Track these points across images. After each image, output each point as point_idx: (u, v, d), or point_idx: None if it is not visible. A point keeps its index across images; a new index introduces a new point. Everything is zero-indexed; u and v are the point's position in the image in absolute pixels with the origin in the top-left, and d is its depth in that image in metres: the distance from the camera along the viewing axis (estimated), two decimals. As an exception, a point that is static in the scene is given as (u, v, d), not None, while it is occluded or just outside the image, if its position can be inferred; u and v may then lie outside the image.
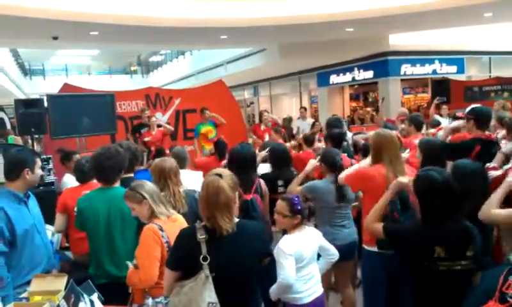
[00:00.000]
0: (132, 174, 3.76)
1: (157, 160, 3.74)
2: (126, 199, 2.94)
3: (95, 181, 3.66)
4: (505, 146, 3.80)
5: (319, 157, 4.29)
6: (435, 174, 2.61)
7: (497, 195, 2.74)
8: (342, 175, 3.77)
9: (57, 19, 9.13)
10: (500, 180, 2.97)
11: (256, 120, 10.93)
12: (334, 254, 3.45)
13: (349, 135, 6.35)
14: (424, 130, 5.71)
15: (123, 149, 3.60)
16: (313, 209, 3.37)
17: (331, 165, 4.04)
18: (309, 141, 5.62)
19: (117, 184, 3.40)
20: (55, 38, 11.31)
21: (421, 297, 2.59)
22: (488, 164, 3.36)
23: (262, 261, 2.51)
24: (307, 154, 5.32)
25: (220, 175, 2.38)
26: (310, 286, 3.23)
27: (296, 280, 3.11)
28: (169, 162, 3.60)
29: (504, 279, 1.75)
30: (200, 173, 4.84)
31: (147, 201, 2.87)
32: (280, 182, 4.31)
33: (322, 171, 4.17)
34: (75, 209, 3.44)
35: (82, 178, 4.03)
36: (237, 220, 2.41)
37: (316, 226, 4.06)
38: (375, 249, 3.37)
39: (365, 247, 3.54)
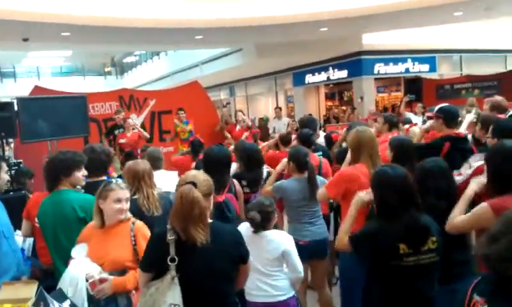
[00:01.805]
0: (102, 178, 3.68)
1: (129, 162, 3.67)
2: (126, 189, 2.93)
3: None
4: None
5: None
6: (389, 170, 2.66)
7: (460, 204, 2.77)
8: (322, 190, 3.76)
9: (27, 20, 8.95)
10: (462, 187, 3.01)
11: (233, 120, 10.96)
12: (299, 272, 3.31)
13: (322, 134, 6.42)
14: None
15: (87, 153, 3.53)
16: (267, 216, 3.29)
17: (299, 165, 4.06)
18: (285, 140, 5.64)
19: (62, 187, 3.31)
20: (25, 40, 11.08)
21: (391, 297, 2.58)
22: (454, 171, 3.40)
23: (238, 266, 2.46)
24: (284, 154, 5.34)
25: (194, 183, 2.34)
26: (265, 288, 3.20)
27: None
28: (143, 164, 3.55)
29: (470, 295, 1.75)
30: (175, 173, 4.80)
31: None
32: (244, 182, 4.31)
33: (290, 170, 4.17)
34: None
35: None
36: (210, 221, 2.38)
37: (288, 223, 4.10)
38: None
39: None
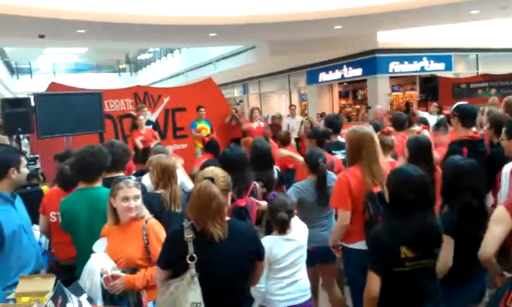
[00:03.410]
0: (119, 174, 3.70)
1: (156, 156, 3.68)
2: (135, 187, 2.89)
3: (77, 187, 3.59)
4: None
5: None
6: (409, 169, 2.61)
7: (495, 233, 2.55)
8: (340, 214, 3.52)
9: (43, 17, 9.03)
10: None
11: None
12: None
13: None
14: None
15: (108, 149, 3.54)
16: (292, 215, 3.28)
17: (311, 167, 4.02)
18: (285, 140, 5.64)
19: (98, 183, 3.33)
20: (41, 37, 11.19)
21: (393, 301, 2.54)
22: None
23: (254, 263, 2.47)
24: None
25: (212, 179, 2.34)
26: (288, 291, 3.17)
27: (271, 282, 3.10)
28: (171, 159, 3.57)
29: (509, 291, 1.72)
30: (181, 171, 4.82)
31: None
32: (261, 183, 4.23)
33: (306, 171, 4.13)
34: (58, 212, 3.40)
35: (64, 185, 3.94)
36: (227, 219, 2.39)
37: None
38: (353, 245, 3.37)
39: (344, 244, 3.51)
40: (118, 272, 2.76)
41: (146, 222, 2.89)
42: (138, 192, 2.90)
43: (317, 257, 3.82)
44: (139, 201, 2.89)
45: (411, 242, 2.43)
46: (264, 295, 3.14)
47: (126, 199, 2.84)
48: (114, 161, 3.53)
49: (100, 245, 2.89)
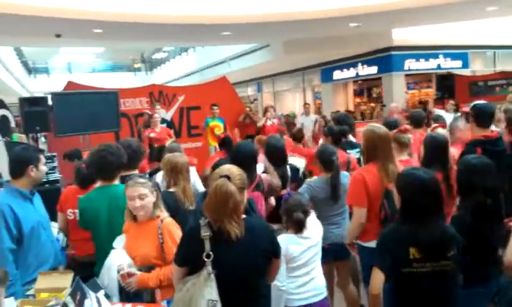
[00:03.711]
0: (134, 172, 3.74)
1: (168, 155, 3.72)
2: (140, 186, 2.84)
3: (94, 185, 3.63)
4: None
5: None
6: (420, 172, 2.55)
7: None
8: (355, 213, 3.48)
9: (60, 17, 9.14)
10: None
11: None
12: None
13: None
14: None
15: (123, 147, 3.57)
16: (308, 214, 3.28)
17: (325, 164, 4.00)
18: (298, 137, 5.63)
19: (116, 181, 3.36)
20: (58, 36, 11.32)
21: (403, 302, 2.51)
22: None
23: (271, 260, 2.48)
24: (300, 150, 5.34)
25: (228, 177, 2.35)
26: (305, 290, 3.18)
27: (288, 281, 3.10)
28: (182, 158, 3.59)
29: None
30: (193, 169, 4.84)
31: (156, 193, 2.88)
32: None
33: (318, 168, 4.13)
34: (77, 210, 3.43)
35: (82, 183, 3.99)
36: (243, 216, 2.39)
37: None
38: (369, 244, 3.34)
39: (359, 242, 3.50)
40: (133, 270, 2.78)
41: (162, 221, 2.89)
42: (143, 190, 2.84)
43: (332, 254, 3.81)
44: (147, 200, 2.85)
45: (421, 244, 2.40)
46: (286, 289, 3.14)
47: (131, 198, 2.85)
48: (129, 159, 3.56)
49: (119, 242, 2.92)
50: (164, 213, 2.93)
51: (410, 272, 2.40)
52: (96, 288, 2.51)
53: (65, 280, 2.69)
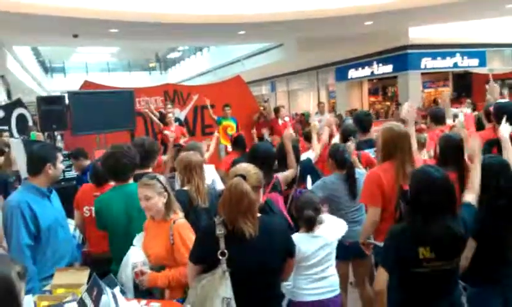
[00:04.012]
0: (148, 170, 3.77)
1: (183, 153, 3.74)
2: (145, 187, 2.85)
3: (110, 183, 3.66)
4: None
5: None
6: (432, 170, 2.51)
7: None
8: (369, 212, 3.42)
9: (77, 17, 9.27)
10: None
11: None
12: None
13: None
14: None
15: (137, 146, 3.59)
16: (319, 212, 3.28)
17: (338, 162, 4.00)
18: (308, 137, 5.61)
19: (131, 181, 3.38)
20: (75, 36, 11.46)
21: (409, 299, 2.49)
22: None
23: (286, 259, 2.47)
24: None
25: (244, 176, 2.35)
26: (317, 286, 3.17)
27: (301, 278, 3.11)
28: (196, 156, 3.60)
29: None
30: (212, 166, 4.85)
31: (167, 194, 2.86)
32: None
33: (330, 167, 4.12)
34: (93, 209, 3.46)
35: (97, 181, 4.04)
36: (259, 215, 2.39)
37: None
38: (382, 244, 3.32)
39: (375, 242, 3.45)
40: (146, 268, 2.81)
41: (174, 222, 2.88)
42: (148, 192, 2.83)
43: (352, 252, 3.80)
44: (152, 202, 2.83)
45: (430, 244, 2.37)
46: (292, 290, 3.15)
47: (139, 199, 2.87)
48: (142, 158, 3.59)
49: (138, 239, 2.96)
50: (178, 215, 2.92)
51: (420, 272, 2.38)
52: (112, 285, 2.53)
53: (82, 276, 2.72)
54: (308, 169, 4.65)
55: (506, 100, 4.23)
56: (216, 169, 5.25)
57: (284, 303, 3.10)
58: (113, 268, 3.17)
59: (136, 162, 3.41)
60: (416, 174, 2.58)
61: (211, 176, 4.59)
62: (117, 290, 2.43)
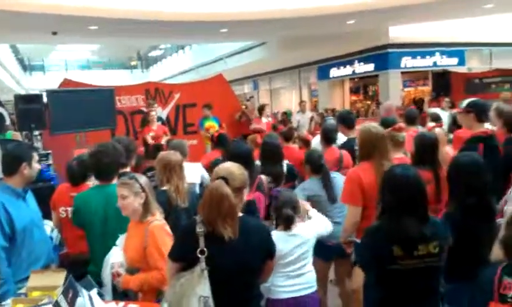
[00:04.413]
0: (127, 169, 3.73)
1: (163, 152, 3.72)
2: (122, 186, 2.82)
3: (87, 183, 3.61)
4: None
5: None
6: (403, 170, 2.54)
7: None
8: (349, 211, 3.48)
9: (56, 14, 9.12)
10: None
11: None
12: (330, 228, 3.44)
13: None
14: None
15: (121, 145, 3.56)
16: (298, 211, 3.30)
17: (315, 168, 4.05)
18: (287, 136, 5.62)
19: (115, 181, 3.33)
20: (54, 33, 11.29)
21: (387, 298, 2.50)
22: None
23: (265, 260, 2.47)
24: (289, 149, 5.34)
25: (226, 179, 2.33)
26: (294, 283, 3.19)
27: (278, 275, 3.12)
28: (175, 155, 3.58)
29: (499, 280, 1.64)
30: (199, 165, 4.82)
31: (145, 195, 2.82)
32: (269, 178, 4.19)
33: (306, 172, 4.17)
34: (70, 210, 3.42)
35: (74, 181, 3.97)
36: (240, 215, 2.38)
37: None
38: None
39: (357, 240, 3.51)
40: (122, 270, 2.79)
41: (150, 224, 2.83)
42: (124, 191, 2.79)
43: (335, 252, 3.83)
44: (127, 201, 2.79)
45: (401, 242, 2.39)
46: (269, 287, 3.16)
47: (118, 197, 2.84)
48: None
49: (120, 240, 2.93)
50: (155, 217, 2.85)
51: (395, 269, 2.40)
52: (89, 286, 2.50)
53: (58, 278, 2.68)
54: (293, 173, 4.67)
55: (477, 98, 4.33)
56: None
57: (262, 302, 3.11)
58: (91, 270, 3.13)
59: (120, 161, 3.37)
60: (387, 174, 2.62)
61: (199, 174, 4.57)
62: (94, 292, 2.40)
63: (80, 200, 3.35)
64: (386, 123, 4.38)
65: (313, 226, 3.36)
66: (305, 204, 3.58)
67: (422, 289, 2.45)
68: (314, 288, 3.30)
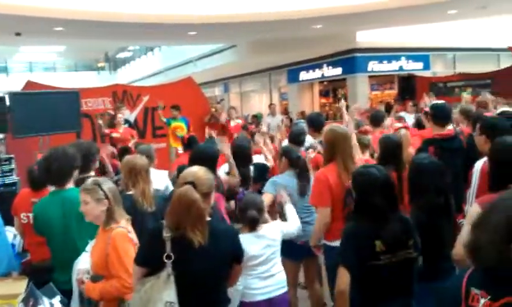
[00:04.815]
0: (89, 174, 3.66)
1: (128, 156, 3.66)
2: (84, 192, 2.74)
3: (48, 188, 3.52)
4: None
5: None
6: (373, 170, 2.60)
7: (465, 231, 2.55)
8: (319, 213, 3.54)
9: (20, 14, 8.88)
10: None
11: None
12: (298, 226, 3.50)
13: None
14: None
15: (75, 150, 3.45)
16: (262, 213, 3.31)
17: (293, 161, 4.04)
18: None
19: (70, 185, 3.26)
20: (18, 34, 11.00)
21: (369, 296, 2.55)
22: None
23: (232, 265, 2.47)
24: (258, 151, 5.36)
25: (193, 184, 2.30)
26: (266, 284, 3.20)
27: (250, 277, 3.13)
28: (141, 159, 3.53)
29: (465, 291, 1.60)
30: (165, 172, 4.79)
31: (107, 202, 2.74)
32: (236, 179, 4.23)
33: (282, 166, 4.15)
34: (31, 214, 3.33)
35: (35, 186, 3.89)
36: (208, 219, 2.35)
37: None
38: (335, 243, 3.38)
39: (326, 243, 3.55)
40: (86, 277, 2.72)
41: (112, 231, 2.74)
42: (85, 197, 2.74)
43: (305, 252, 3.83)
44: (88, 207, 2.73)
45: (382, 237, 2.45)
46: (243, 291, 3.15)
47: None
48: (85, 162, 3.48)
49: (90, 246, 2.87)
50: (119, 224, 2.77)
51: (377, 265, 2.45)
52: (51, 294, 2.45)
53: (19, 286, 2.60)
54: (262, 174, 4.68)
55: (440, 101, 4.45)
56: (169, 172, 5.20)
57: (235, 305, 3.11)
58: (55, 277, 3.06)
59: (73, 165, 3.27)
60: (359, 175, 2.66)
61: (164, 183, 4.53)
62: (56, 300, 2.34)
63: (37, 208, 3.26)
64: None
65: (279, 225, 3.38)
66: (283, 196, 3.57)
67: (400, 282, 2.51)
68: (286, 289, 3.33)
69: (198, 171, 2.45)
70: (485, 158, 3.11)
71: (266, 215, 3.34)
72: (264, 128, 7.97)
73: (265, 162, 4.94)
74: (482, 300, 1.54)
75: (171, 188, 4.40)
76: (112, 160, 5.60)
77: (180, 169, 3.11)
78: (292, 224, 3.50)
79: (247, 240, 3.12)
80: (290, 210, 3.59)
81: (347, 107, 5.04)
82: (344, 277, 2.51)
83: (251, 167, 4.49)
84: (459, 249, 2.52)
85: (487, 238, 1.51)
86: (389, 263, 2.46)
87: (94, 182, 2.82)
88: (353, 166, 3.37)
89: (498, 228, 1.49)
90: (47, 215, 3.13)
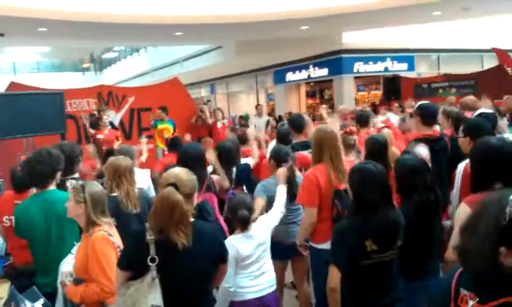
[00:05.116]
0: (74, 175, 3.62)
1: (112, 158, 3.63)
2: (70, 190, 2.77)
3: (32, 190, 3.47)
4: None
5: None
6: (371, 166, 2.64)
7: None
8: (306, 212, 3.57)
9: (3, 15, 8.76)
10: None
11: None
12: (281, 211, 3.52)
13: None
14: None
15: (58, 151, 3.40)
16: (252, 212, 3.31)
17: (280, 163, 4.03)
18: (242, 139, 5.65)
19: (51, 187, 3.23)
20: (1, 35, 10.86)
21: (358, 294, 2.58)
22: None
23: (217, 265, 2.46)
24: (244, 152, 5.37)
25: (176, 185, 2.29)
26: (257, 283, 3.21)
27: (241, 277, 3.13)
28: (125, 160, 3.50)
29: (455, 291, 1.60)
30: (147, 171, 4.76)
31: (83, 206, 2.71)
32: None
33: (271, 168, 4.15)
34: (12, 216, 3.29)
35: (17, 188, 3.85)
36: (192, 220, 2.34)
37: None
38: (321, 246, 3.41)
39: (312, 244, 3.57)
40: (68, 280, 2.70)
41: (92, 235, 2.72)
42: (70, 195, 2.76)
43: (292, 252, 3.84)
44: (69, 205, 2.75)
45: (376, 235, 2.48)
46: (234, 290, 3.14)
47: None
48: (68, 163, 3.45)
49: (74, 250, 2.85)
50: (100, 227, 2.73)
51: (368, 264, 2.48)
52: (34, 298, 2.41)
53: (1, 290, 2.57)
54: (244, 174, 4.67)
55: (427, 101, 4.50)
56: (152, 171, 5.18)
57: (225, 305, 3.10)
58: (37, 281, 3.01)
59: (56, 167, 3.24)
60: (357, 173, 2.68)
61: (147, 182, 4.51)
62: (39, 303, 2.31)
63: (18, 211, 3.22)
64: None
65: (266, 222, 3.38)
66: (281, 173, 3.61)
67: (387, 281, 2.55)
68: (275, 287, 3.34)
69: (180, 172, 2.43)
70: (468, 160, 3.14)
71: (255, 214, 3.34)
72: (251, 128, 7.97)
73: (247, 162, 4.94)
74: (471, 302, 1.54)
75: (151, 187, 4.39)
76: (91, 161, 5.60)
77: (167, 169, 3.10)
78: (275, 214, 3.50)
79: (239, 240, 3.12)
80: (281, 191, 3.60)
81: (332, 107, 5.06)
82: (334, 276, 2.54)
83: (234, 169, 4.48)
84: (450, 255, 2.53)
85: (476, 244, 1.51)
86: (379, 262, 2.50)
87: (81, 184, 2.81)
88: (341, 166, 3.39)
89: (486, 233, 1.48)
90: (28, 218, 3.09)
